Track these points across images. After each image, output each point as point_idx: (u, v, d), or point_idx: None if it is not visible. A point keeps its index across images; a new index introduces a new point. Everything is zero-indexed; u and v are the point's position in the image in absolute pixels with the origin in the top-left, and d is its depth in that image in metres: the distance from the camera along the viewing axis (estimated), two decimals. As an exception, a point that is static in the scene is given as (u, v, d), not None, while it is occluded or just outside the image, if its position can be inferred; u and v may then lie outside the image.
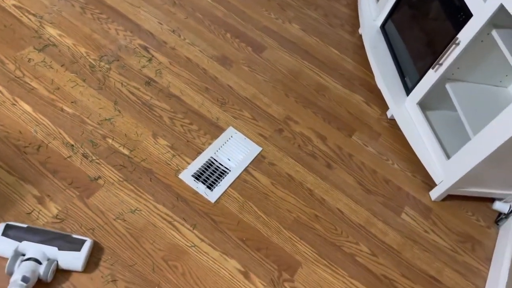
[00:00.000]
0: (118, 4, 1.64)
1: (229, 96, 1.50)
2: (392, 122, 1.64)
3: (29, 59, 1.35)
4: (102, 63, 1.43)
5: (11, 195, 1.07)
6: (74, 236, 1.00)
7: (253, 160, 1.35)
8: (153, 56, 1.52)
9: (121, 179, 1.18)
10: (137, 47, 1.52)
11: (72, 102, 1.30)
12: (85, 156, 1.19)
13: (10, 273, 0.91)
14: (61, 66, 1.37)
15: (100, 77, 1.39)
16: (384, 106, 1.68)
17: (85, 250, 0.98)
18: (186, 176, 1.25)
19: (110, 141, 1.25)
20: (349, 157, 1.48)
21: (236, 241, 1.16)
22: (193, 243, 1.12)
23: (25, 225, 0.99)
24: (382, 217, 1.34)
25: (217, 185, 1.25)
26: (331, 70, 1.75)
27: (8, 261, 0.92)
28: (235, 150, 1.36)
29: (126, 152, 1.24)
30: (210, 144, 1.35)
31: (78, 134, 1.23)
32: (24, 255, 0.94)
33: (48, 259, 0.95)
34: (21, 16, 1.45)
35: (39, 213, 1.06)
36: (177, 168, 1.26)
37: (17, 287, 0.86)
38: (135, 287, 1.01)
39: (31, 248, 0.95)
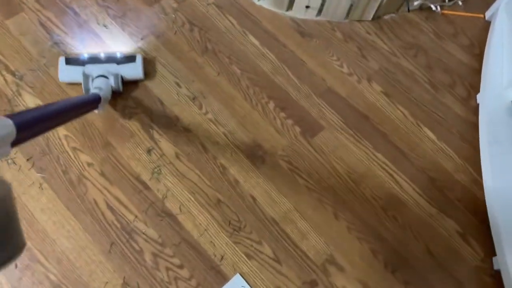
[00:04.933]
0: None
1: (248, 216, 1.05)
2: (500, 277, 1.05)
3: (-11, 148, 1.03)
4: (82, 157, 1.06)
5: None
6: (126, 54, 1.15)
7: None
8: (155, 143, 1.10)
9: None
10: (136, 128, 1.11)
11: (27, 221, 0.97)
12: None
13: (88, 91, 1.07)
14: (27, 160, 1.03)
15: (73, 179, 1.03)
16: (491, 246, 1.09)
17: (139, 60, 1.15)
18: None
19: (63, 291, 0.91)
20: None
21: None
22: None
23: (80, 55, 1.14)
24: None
25: None
26: (418, 172, 1.17)
27: (82, 82, 1.08)
28: (234, 320, 0.95)
29: (79, 313, 0.90)
30: (200, 306, 0.94)
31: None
32: (89, 75, 1.09)
33: (112, 74, 1.09)
34: (-3, 76, 1.12)
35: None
36: None
37: (94, 92, 0.98)
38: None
39: (95, 69, 1.10)
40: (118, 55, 1.15)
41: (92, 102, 0.94)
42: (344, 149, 1.17)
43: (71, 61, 1.12)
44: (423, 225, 1.10)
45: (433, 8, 1.44)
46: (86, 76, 1.08)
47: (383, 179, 1.14)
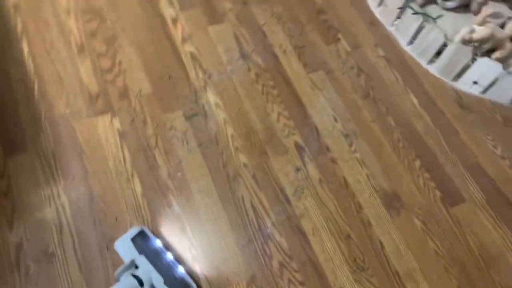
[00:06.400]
0: (298, 79, 1.34)
1: (373, 260, 1.08)
2: None
3: (172, 126, 1.21)
4: (241, 158, 1.19)
5: None
6: (186, 277, 0.98)
7: None
8: (304, 165, 1.20)
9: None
10: (290, 146, 1.22)
11: (186, 197, 1.11)
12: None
13: (117, 279, 0.93)
14: (198, 146, 1.19)
15: (230, 174, 1.15)
16: None
17: None
18: None
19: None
20: None
21: None
22: None
23: (154, 238, 1.00)
24: None
25: None
26: (555, 276, 1.11)
27: (121, 267, 0.93)
28: None
29: (207, 291, 1.00)
30: (311, 326, 0.99)
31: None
32: (137, 267, 0.94)
33: (152, 286, 0.93)
34: (191, 69, 1.31)
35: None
36: None
37: None
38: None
39: (144, 267, 0.94)
40: (178, 272, 0.97)
41: None
42: (480, 226, 1.16)
43: (138, 239, 0.98)
44: (551, 333, 1.04)
45: None
46: (129, 266, 0.94)
47: (517, 271, 1.10)
